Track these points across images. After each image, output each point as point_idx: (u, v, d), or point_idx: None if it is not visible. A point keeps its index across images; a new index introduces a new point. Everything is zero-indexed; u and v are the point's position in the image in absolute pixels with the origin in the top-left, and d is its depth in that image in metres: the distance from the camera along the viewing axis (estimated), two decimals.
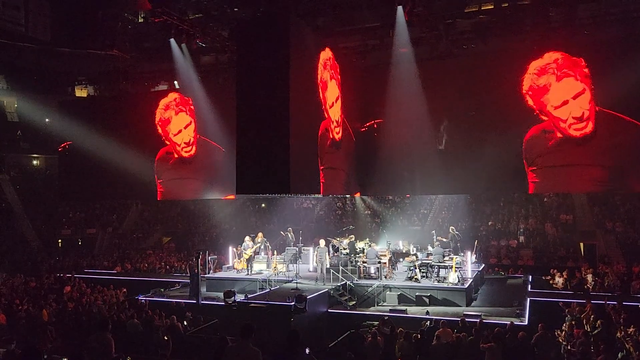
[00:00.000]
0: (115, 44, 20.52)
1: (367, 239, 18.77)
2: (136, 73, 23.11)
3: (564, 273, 18.46)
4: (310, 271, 17.57)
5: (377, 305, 14.91)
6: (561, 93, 15.98)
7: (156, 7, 17.08)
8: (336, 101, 17.20)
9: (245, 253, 17.23)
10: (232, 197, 21.08)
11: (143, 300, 16.19)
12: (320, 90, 16.09)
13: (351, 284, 15.50)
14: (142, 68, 22.87)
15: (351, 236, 17.85)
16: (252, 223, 27.94)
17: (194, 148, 21.12)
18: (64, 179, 24.88)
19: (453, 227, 17.92)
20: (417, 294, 14.94)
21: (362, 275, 16.08)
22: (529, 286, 17.62)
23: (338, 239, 17.73)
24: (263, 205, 30.10)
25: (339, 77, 17.78)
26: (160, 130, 21.43)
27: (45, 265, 25.76)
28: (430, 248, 17.12)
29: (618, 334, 10.96)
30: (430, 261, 15.95)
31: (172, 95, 21.40)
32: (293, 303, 12.95)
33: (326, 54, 16.87)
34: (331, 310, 14.74)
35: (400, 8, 15.81)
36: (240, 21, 17.39)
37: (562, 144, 16.04)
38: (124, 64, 22.04)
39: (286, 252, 17.67)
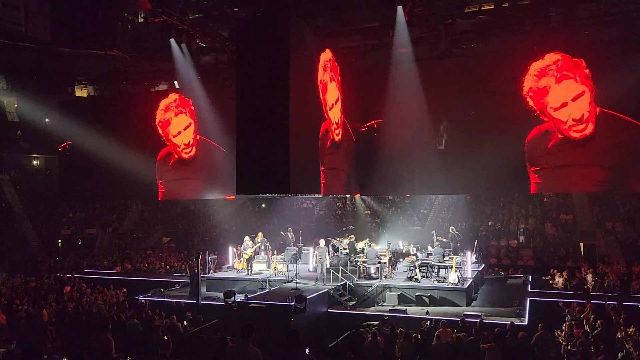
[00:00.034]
0: (115, 44, 20.53)
1: (367, 239, 18.77)
2: (136, 73, 23.11)
3: (564, 273, 18.46)
4: (310, 271, 17.56)
5: (377, 305, 14.91)
6: (561, 95, 16.00)
7: (156, 7, 17.09)
8: (336, 103, 17.22)
9: (245, 253, 17.23)
10: (232, 197, 21.14)
11: (143, 300, 16.18)
12: (320, 91, 16.10)
13: (351, 284, 15.50)
14: (142, 68, 22.88)
15: (351, 236, 17.84)
16: (252, 223, 27.94)
17: (193, 149, 21.14)
18: (64, 179, 24.88)
19: (453, 227, 17.92)
20: (417, 294, 14.94)
21: (362, 275, 16.07)
22: (529, 286, 17.61)
23: (338, 239, 17.72)
24: (263, 205, 30.10)
25: (339, 78, 17.79)
26: (160, 131, 21.47)
27: (45, 265, 25.75)
28: (430, 248, 17.11)
29: (618, 334, 10.97)
30: (430, 261, 15.94)
31: (172, 97, 21.40)
32: (293, 303, 12.95)
33: (326, 56, 16.87)
34: (331, 310, 14.73)
35: (400, 8, 15.81)
36: (240, 21, 17.40)
37: (564, 145, 16.06)
38: (124, 64, 22.05)
39: (286, 252, 17.67)
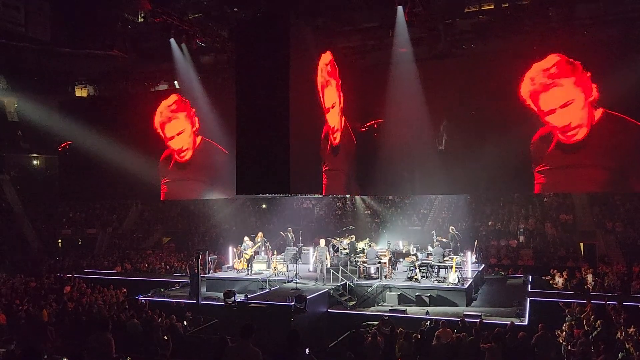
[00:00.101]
0: (115, 44, 20.51)
1: (367, 239, 18.76)
2: (136, 73, 23.11)
3: (564, 273, 18.46)
4: (310, 271, 17.56)
5: (377, 305, 14.91)
6: (549, 102, 16.27)
7: (156, 7, 17.09)
8: (332, 107, 17.16)
9: (245, 253, 17.22)
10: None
11: (143, 300, 16.17)
12: (319, 93, 16.14)
13: (351, 284, 15.49)
14: (142, 68, 22.86)
15: (352, 236, 17.84)
16: (252, 223, 27.94)
17: (188, 154, 21.28)
18: (64, 179, 24.90)
19: (453, 227, 17.91)
20: (417, 294, 14.94)
21: (362, 275, 16.06)
22: (529, 286, 17.61)
23: (338, 239, 17.72)
24: (264, 205, 30.08)
25: (339, 80, 17.79)
26: (160, 133, 21.60)
27: (45, 265, 25.74)
28: (430, 248, 17.11)
29: (618, 334, 10.97)
30: (430, 261, 15.94)
31: (171, 99, 21.49)
32: (293, 303, 12.95)
33: (326, 58, 16.89)
34: (331, 310, 14.73)
35: (400, 8, 15.80)
36: (240, 21, 17.40)
37: (565, 146, 16.13)
38: (124, 64, 22.04)
39: (286, 252, 17.67)
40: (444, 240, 16.92)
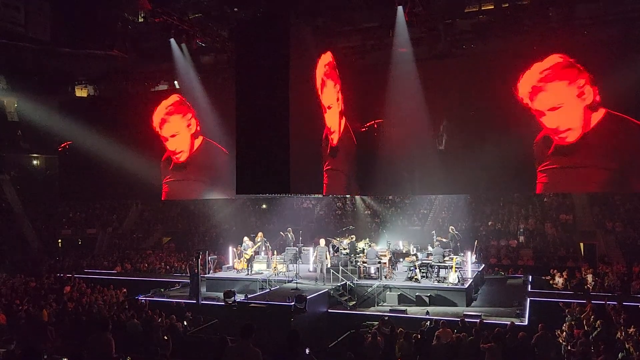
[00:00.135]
0: (115, 44, 20.52)
1: (367, 239, 18.76)
2: (136, 73, 23.11)
3: (564, 273, 18.46)
4: (310, 271, 17.56)
5: (377, 305, 14.91)
6: (541, 104, 16.44)
7: (156, 7, 17.09)
8: (329, 109, 17.12)
9: (245, 253, 17.22)
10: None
11: (143, 300, 16.17)
12: (319, 92, 16.14)
13: (351, 284, 15.49)
14: (142, 68, 22.87)
15: (352, 236, 17.83)
16: (252, 223, 27.94)
17: (183, 155, 21.35)
18: (64, 179, 24.92)
19: (453, 227, 17.90)
20: (417, 294, 14.93)
21: (362, 275, 16.06)
22: (529, 286, 17.61)
23: (338, 239, 17.72)
24: (264, 206, 30.07)
25: (338, 82, 17.78)
26: (159, 133, 21.68)
27: (45, 265, 25.74)
28: (430, 248, 17.10)
29: (618, 334, 10.97)
30: (430, 261, 15.93)
31: (170, 100, 21.54)
32: (293, 303, 12.95)
33: (325, 58, 16.88)
34: (331, 310, 14.73)
35: (400, 8, 15.81)
36: (240, 21, 17.40)
37: (566, 146, 16.16)
38: (124, 64, 22.04)
39: (286, 252, 17.67)
40: (444, 240, 16.92)
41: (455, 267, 14.99)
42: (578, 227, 23.53)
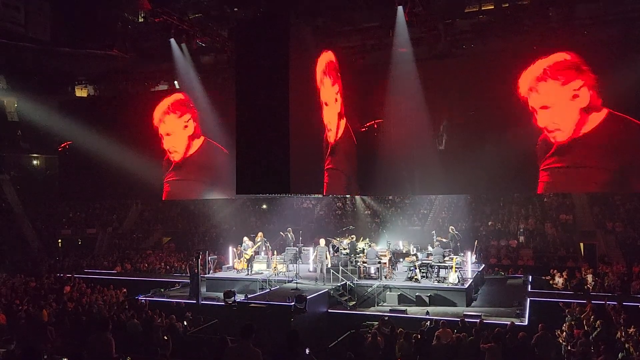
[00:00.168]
0: (115, 44, 20.55)
1: (367, 239, 18.76)
2: (136, 73, 23.13)
3: (564, 273, 18.45)
4: (310, 271, 17.55)
5: (377, 306, 14.90)
6: (533, 102, 16.71)
7: (156, 7, 17.10)
8: (326, 105, 17.07)
9: (245, 253, 17.21)
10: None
11: (143, 300, 16.17)
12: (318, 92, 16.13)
13: (351, 284, 15.48)
14: (142, 68, 22.89)
15: (352, 236, 17.83)
16: (252, 223, 27.94)
17: (177, 155, 21.47)
18: (64, 179, 24.94)
19: (453, 227, 17.90)
20: (417, 294, 14.92)
21: (362, 275, 16.06)
22: (529, 286, 17.60)
23: (338, 239, 17.71)
24: (264, 206, 30.06)
25: (337, 81, 17.78)
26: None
27: (45, 265, 25.73)
28: (430, 248, 17.09)
29: (618, 334, 10.97)
30: (430, 261, 15.93)
31: (171, 99, 21.59)
32: (293, 303, 12.94)
33: (326, 57, 16.87)
34: (331, 311, 14.72)
35: (400, 8, 15.81)
36: (240, 21, 17.42)
37: (567, 146, 16.21)
38: (124, 64, 22.06)
39: (286, 252, 17.66)
40: (444, 240, 16.91)
41: (455, 267, 14.98)
42: (578, 227, 23.53)
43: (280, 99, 13.87)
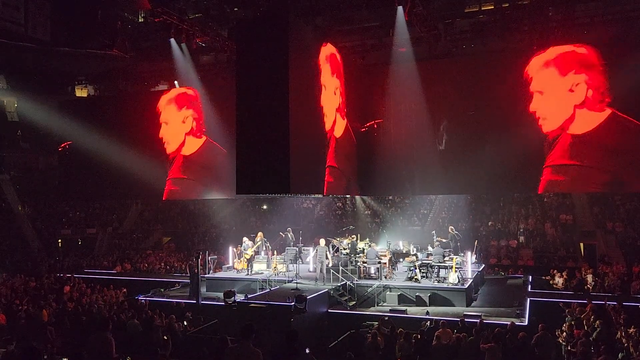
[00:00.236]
0: (115, 44, 20.57)
1: (367, 239, 18.75)
2: (136, 73, 23.15)
3: (564, 273, 18.44)
4: (310, 271, 17.54)
5: (377, 306, 14.89)
6: (532, 86, 17.03)
7: (156, 6, 17.12)
8: (326, 89, 16.94)
9: (245, 253, 17.20)
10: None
11: (143, 300, 16.16)
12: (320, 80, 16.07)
13: (351, 284, 15.48)
14: (142, 68, 22.91)
15: (353, 236, 17.83)
16: (252, 223, 27.92)
17: (170, 147, 21.50)
18: (64, 179, 24.95)
19: (452, 227, 17.88)
20: (417, 294, 14.92)
21: (362, 275, 16.05)
22: (529, 286, 17.59)
23: (338, 239, 17.71)
24: (264, 206, 30.04)
25: (341, 77, 17.77)
26: None
27: (45, 265, 25.72)
28: (430, 248, 17.09)
29: (618, 334, 10.96)
30: (431, 261, 15.92)
31: (181, 90, 21.66)
32: (293, 303, 12.93)
33: (328, 49, 16.85)
34: (331, 311, 14.71)
35: (400, 8, 15.82)
36: (240, 21, 17.41)
37: (570, 145, 16.25)
38: (124, 64, 22.09)
39: (286, 252, 17.66)
40: (444, 240, 16.91)
41: (455, 267, 14.98)
42: (578, 227, 23.52)
43: (280, 98, 13.87)
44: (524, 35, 17.35)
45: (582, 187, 18.03)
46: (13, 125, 30.11)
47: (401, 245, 18.76)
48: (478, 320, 12.02)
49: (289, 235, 18.88)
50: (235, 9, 18.83)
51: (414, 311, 14.06)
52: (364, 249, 16.98)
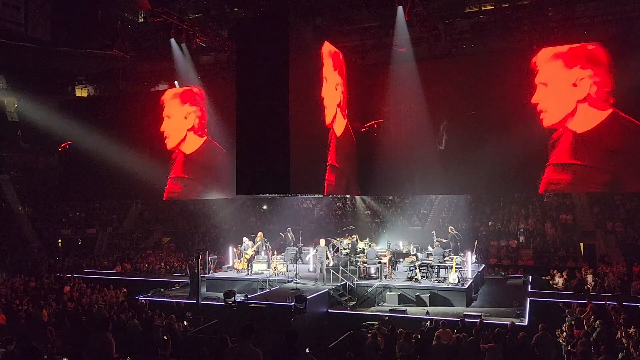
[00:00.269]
0: (115, 44, 20.58)
1: (367, 239, 18.75)
2: (136, 73, 23.15)
3: (564, 273, 18.44)
4: (310, 271, 17.54)
5: (377, 306, 14.89)
6: (537, 78, 17.09)
7: (156, 7, 17.12)
8: (327, 81, 16.92)
9: (245, 253, 17.20)
10: None
11: (143, 300, 16.16)
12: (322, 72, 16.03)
13: (351, 284, 15.48)
14: (142, 68, 22.91)
15: (353, 235, 17.83)
16: (252, 223, 27.92)
17: (170, 142, 21.52)
18: (64, 179, 24.97)
19: (452, 227, 17.87)
20: (417, 294, 14.92)
21: (362, 275, 16.05)
22: (529, 286, 17.59)
23: (338, 239, 17.71)
24: (264, 207, 30.04)
25: (343, 75, 17.76)
26: None
27: (45, 265, 25.72)
28: (430, 248, 17.09)
29: (618, 334, 10.96)
30: (431, 261, 15.92)
31: (188, 86, 21.64)
32: (293, 303, 12.93)
33: (330, 47, 16.86)
34: (331, 311, 14.71)
35: (400, 8, 15.83)
36: (240, 21, 17.41)
37: (574, 144, 16.27)
38: (124, 64, 22.10)
39: (286, 252, 17.66)
40: (444, 240, 16.91)
41: (455, 267, 14.98)
42: (578, 227, 23.51)
43: (280, 98, 13.87)
44: (524, 35, 17.35)
45: (582, 186, 18.03)
46: (13, 125, 30.11)
47: (401, 245, 18.76)
48: (478, 320, 12.02)
49: (289, 235, 18.87)
50: (235, 9, 18.84)
51: (414, 311, 14.06)
52: (364, 249, 16.98)
